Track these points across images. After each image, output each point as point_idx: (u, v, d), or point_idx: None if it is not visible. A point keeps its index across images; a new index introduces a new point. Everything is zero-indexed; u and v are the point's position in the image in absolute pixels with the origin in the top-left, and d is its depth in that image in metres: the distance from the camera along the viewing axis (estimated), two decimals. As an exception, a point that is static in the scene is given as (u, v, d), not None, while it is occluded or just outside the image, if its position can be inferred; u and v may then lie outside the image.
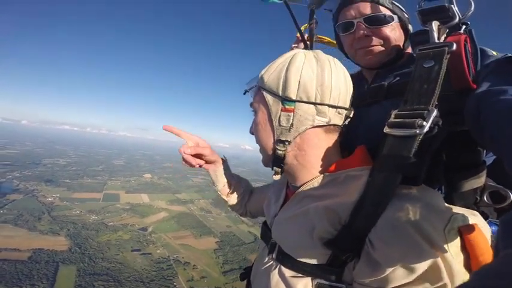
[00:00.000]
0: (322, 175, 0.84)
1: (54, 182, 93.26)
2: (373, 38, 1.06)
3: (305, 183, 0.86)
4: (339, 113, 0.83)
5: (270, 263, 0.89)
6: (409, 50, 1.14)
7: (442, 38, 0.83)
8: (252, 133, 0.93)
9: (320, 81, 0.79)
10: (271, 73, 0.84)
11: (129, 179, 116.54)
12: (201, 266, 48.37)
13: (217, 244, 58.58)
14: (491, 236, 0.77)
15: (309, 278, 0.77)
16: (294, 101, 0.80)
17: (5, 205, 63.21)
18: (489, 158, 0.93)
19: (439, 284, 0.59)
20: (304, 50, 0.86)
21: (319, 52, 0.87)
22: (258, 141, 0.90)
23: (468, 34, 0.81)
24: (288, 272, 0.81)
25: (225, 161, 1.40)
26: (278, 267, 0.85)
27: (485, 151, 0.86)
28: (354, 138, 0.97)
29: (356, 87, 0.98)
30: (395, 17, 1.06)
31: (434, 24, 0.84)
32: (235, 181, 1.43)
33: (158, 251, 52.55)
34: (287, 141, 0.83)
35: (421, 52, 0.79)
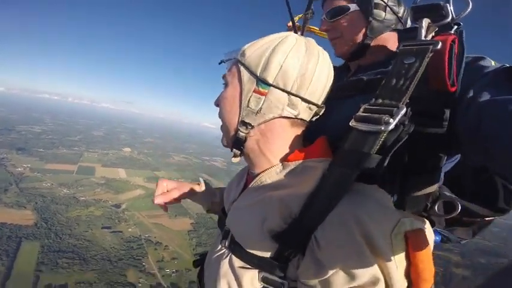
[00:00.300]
0: (280, 164, 0.82)
1: (27, 150, 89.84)
2: (332, 31, 1.13)
3: (263, 171, 0.84)
4: (310, 109, 0.82)
5: (222, 251, 0.88)
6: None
7: (430, 36, 0.82)
8: (216, 105, 0.88)
9: (302, 71, 0.76)
10: (255, 49, 0.80)
11: (107, 152, 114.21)
12: (173, 247, 48.36)
13: (192, 226, 58.48)
14: (435, 245, 0.79)
15: (256, 271, 0.76)
16: (269, 85, 0.78)
17: (-32, 173, 60.00)
18: (447, 166, 0.92)
19: None
20: (296, 35, 0.83)
21: (312, 41, 0.84)
22: (222, 117, 0.86)
23: (458, 35, 0.79)
24: (237, 262, 0.80)
25: (201, 184, 1.33)
26: (229, 256, 0.83)
27: (445, 158, 0.84)
28: (322, 130, 0.94)
29: (336, 79, 0.98)
30: (352, 6, 1.07)
31: (425, 22, 0.82)
32: (219, 196, 1.34)
33: (130, 230, 51.91)
34: (250, 124, 0.81)
35: (404, 48, 0.77)
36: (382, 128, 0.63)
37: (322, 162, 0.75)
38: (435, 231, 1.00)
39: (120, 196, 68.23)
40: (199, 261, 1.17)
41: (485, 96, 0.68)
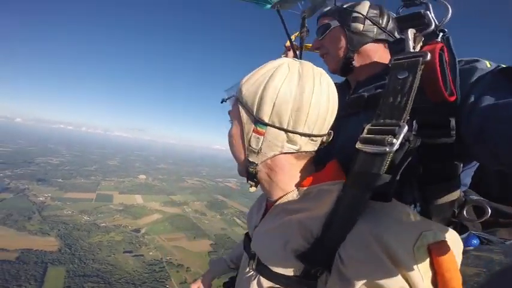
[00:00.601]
0: (296, 189, 0.84)
1: (47, 181, 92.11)
2: (321, 48, 1.19)
3: (280, 197, 0.86)
4: (312, 140, 0.80)
5: (250, 273, 0.90)
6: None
7: (418, 47, 0.82)
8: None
9: (297, 105, 0.74)
10: (249, 86, 0.80)
11: (123, 180, 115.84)
12: (194, 268, 47.62)
13: (211, 247, 58.17)
14: (471, 249, 0.78)
15: None
16: (266, 125, 0.77)
17: (-6, 204, 61.62)
18: (469, 171, 0.93)
19: None
20: (290, 62, 0.81)
21: (307, 66, 0.80)
22: (232, 153, 0.88)
23: (445, 42, 0.80)
24: (266, 283, 0.82)
25: (216, 263, 1.46)
26: (257, 277, 0.85)
27: (462, 165, 0.83)
28: (332, 149, 0.96)
29: (339, 97, 0.99)
30: (333, 22, 1.13)
31: (410, 32, 0.82)
32: (227, 261, 1.44)
33: (151, 253, 51.77)
34: (255, 163, 0.83)
35: (396, 62, 0.76)
36: (387, 149, 0.63)
37: (336, 184, 0.76)
38: (472, 236, 0.99)
39: (138, 221, 68.50)
40: (229, 284, 1.22)
41: (486, 101, 0.68)
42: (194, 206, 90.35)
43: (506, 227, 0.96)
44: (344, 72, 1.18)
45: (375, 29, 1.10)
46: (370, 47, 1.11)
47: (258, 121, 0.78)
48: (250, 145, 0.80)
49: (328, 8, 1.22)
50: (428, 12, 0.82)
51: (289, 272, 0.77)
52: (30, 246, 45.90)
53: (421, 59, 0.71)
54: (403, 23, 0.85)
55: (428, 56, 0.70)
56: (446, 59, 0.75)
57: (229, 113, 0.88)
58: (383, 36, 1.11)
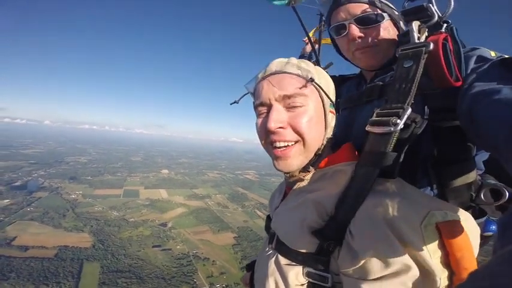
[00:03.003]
0: (314, 171, 0.91)
1: (77, 179, 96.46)
2: (368, 38, 1.06)
3: (300, 179, 0.92)
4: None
5: (269, 252, 0.94)
6: None
7: (423, 38, 0.85)
8: (279, 127, 0.83)
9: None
10: (320, 75, 0.91)
11: (147, 175, 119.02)
12: (220, 261, 48.63)
13: (235, 239, 58.76)
14: (490, 235, 0.82)
15: (301, 267, 0.81)
16: (334, 106, 0.92)
17: (31, 203, 65.73)
18: (485, 154, 0.94)
19: (414, 280, 0.60)
20: None
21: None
22: (311, 132, 0.85)
23: (450, 32, 0.83)
24: (283, 260, 0.85)
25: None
26: (276, 255, 0.89)
27: (474, 147, 0.87)
28: (349, 135, 1.07)
29: (355, 88, 1.17)
30: (385, 15, 1.05)
31: (415, 24, 0.86)
32: None
33: (178, 247, 53.22)
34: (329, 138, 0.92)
35: (402, 52, 0.82)
36: (392, 129, 0.69)
37: (350, 165, 0.82)
38: (490, 222, 0.99)
39: (164, 215, 70.47)
40: (251, 265, 1.26)
41: (478, 87, 0.70)
42: (216, 199, 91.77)
43: None
44: (382, 68, 1.11)
45: (401, 23, 1.08)
46: None
47: (332, 103, 0.91)
48: (328, 123, 0.89)
49: None
50: (430, 5, 0.85)
51: (304, 248, 0.80)
52: (66, 243, 48.48)
53: (424, 48, 0.76)
54: (408, 16, 0.90)
55: (431, 46, 0.75)
56: (451, 48, 0.78)
57: (288, 97, 0.84)
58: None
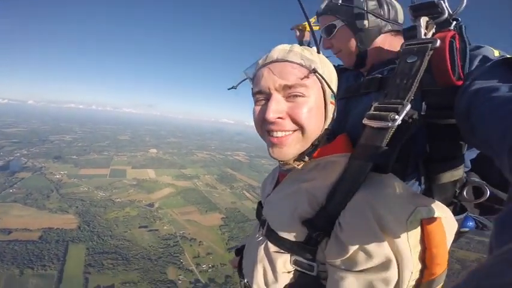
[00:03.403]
0: (309, 160, 0.89)
1: (62, 158, 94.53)
2: (334, 46, 1.18)
3: (294, 168, 0.90)
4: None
5: (259, 239, 0.95)
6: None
7: (430, 34, 0.84)
8: (277, 118, 0.82)
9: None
10: (324, 64, 0.88)
11: (135, 154, 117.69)
12: (207, 242, 49.35)
13: (222, 220, 59.48)
14: (466, 231, 0.86)
15: (288, 255, 0.83)
16: (335, 97, 0.90)
17: (14, 184, 64.28)
18: (472, 153, 0.95)
19: (390, 272, 0.63)
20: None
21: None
22: (310, 123, 0.83)
23: (458, 31, 0.81)
24: (272, 248, 0.87)
25: None
26: (265, 242, 0.90)
27: (466, 145, 0.87)
28: (344, 126, 1.06)
29: (354, 79, 1.20)
30: (337, 22, 1.13)
31: (423, 20, 0.85)
32: None
33: (165, 227, 53.54)
34: (329, 130, 0.90)
35: (406, 47, 0.82)
36: (389, 124, 0.69)
37: (344, 157, 0.82)
38: (468, 218, 1.03)
39: (151, 195, 70.35)
40: (240, 250, 1.26)
41: (477, 85, 0.70)
42: (205, 179, 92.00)
43: None
44: (359, 67, 1.19)
45: (379, 21, 1.10)
46: (379, 40, 1.12)
47: (333, 94, 0.88)
48: (328, 114, 0.88)
49: (325, 3, 1.18)
50: (442, 1, 0.83)
51: (293, 237, 0.81)
52: (51, 224, 47.94)
53: (430, 45, 0.75)
54: (417, 11, 0.87)
55: (438, 43, 0.75)
56: (457, 46, 0.77)
57: (289, 87, 0.82)
58: (389, 27, 1.12)
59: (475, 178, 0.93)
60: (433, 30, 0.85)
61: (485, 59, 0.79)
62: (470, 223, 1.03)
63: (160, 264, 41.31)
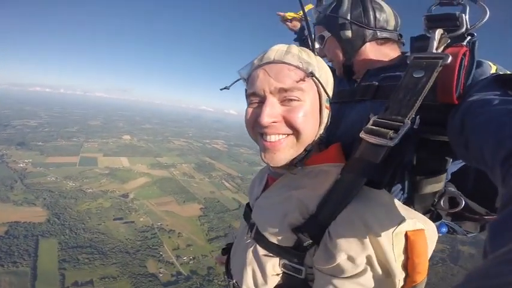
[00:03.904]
0: (300, 167, 0.89)
1: (26, 145, 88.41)
2: (326, 57, 1.21)
3: (285, 173, 0.92)
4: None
5: (248, 241, 0.96)
6: (396, 51, 1.16)
7: (441, 48, 0.82)
8: (272, 122, 0.81)
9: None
10: (321, 67, 0.87)
11: (106, 141, 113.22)
12: (186, 233, 48.90)
13: (201, 211, 59.01)
14: (440, 236, 0.88)
15: (277, 258, 0.85)
16: (330, 102, 0.90)
17: (-29, 173, 59.09)
18: (454, 166, 0.97)
19: (378, 279, 0.68)
20: None
21: None
22: (306, 127, 0.83)
23: (470, 46, 0.79)
24: (261, 251, 0.88)
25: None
26: (254, 245, 0.91)
27: (451, 160, 0.89)
28: (335, 132, 1.04)
29: (347, 82, 1.20)
30: (325, 33, 1.17)
31: (438, 33, 0.82)
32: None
33: (141, 219, 52.27)
34: (323, 135, 0.91)
35: (415, 61, 0.79)
36: (388, 143, 0.69)
37: (336, 167, 0.82)
38: (442, 224, 1.09)
39: (126, 185, 68.06)
40: (227, 250, 1.27)
41: (470, 100, 0.70)
42: (182, 168, 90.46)
43: (472, 221, 1.05)
44: (349, 76, 1.20)
45: (364, 31, 1.10)
46: (366, 49, 1.12)
47: (328, 98, 0.88)
48: (323, 119, 0.87)
49: (317, 14, 1.24)
50: (463, 14, 0.80)
51: (283, 242, 0.83)
52: (17, 218, 44.87)
53: (441, 61, 0.73)
54: (433, 22, 0.84)
55: (449, 59, 0.72)
56: (465, 63, 0.76)
57: (284, 90, 0.80)
58: (376, 35, 1.10)
59: (451, 188, 0.95)
60: (445, 44, 0.83)
61: (482, 75, 0.79)
62: (444, 229, 1.12)
63: (139, 258, 40.37)
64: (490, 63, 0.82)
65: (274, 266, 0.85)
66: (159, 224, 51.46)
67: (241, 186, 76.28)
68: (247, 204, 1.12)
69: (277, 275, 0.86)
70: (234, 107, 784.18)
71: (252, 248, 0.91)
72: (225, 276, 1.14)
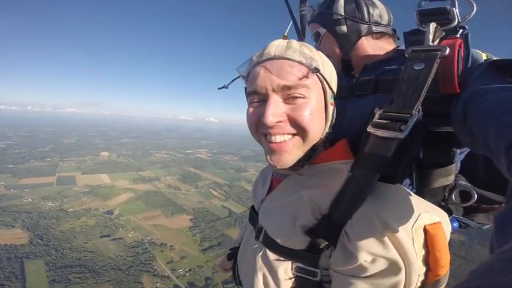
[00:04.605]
0: (307, 166, 0.86)
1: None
2: (323, 51, 1.17)
3: (292, 173, 0.88)
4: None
5: (256, 246, 0.92)
6: (392, 45, 1.18)
7: (437, 41, 0.84)
8: (276, 122, 0.76)
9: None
10: (324, 62, 0.84)
11: (83, 159, 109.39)
12: (178, 246, 47.67)
13: (191, 221, 57.91)
14: (452, 231, 0.85)
15: (290, 262, 0.81)
16: (335, 98, 0.87)
17: None
18: (462, 155, 0.96)
19: (399, 277, 0.65)
20: None
21: None
22: (312, 127, 0.78)
23: (464, 38, 0.81)
24: (271, 256, 0.84)
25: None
26: (263, 250, 0.87)
27: (458, 152, 0.89)
28: (338, 128, 0.99)
29: (345, 77, 1.18)
30: (321, 30, 1.18)
31: (432, 26, 0.84)
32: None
33: (130, 235, 50.47)
34: (330, 133, 0.87)
35: (413, 54, 0.79)
36: (399, 135, 0.67)
37: (345, 164, 0.80)
38: (453, 219, 1.06)
39: (109, 202, 65.64)
40: (232, 255, 1.22)
41: (471, 89, 0.70)
42: (166, 180, 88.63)
43: (485, 212, 1.03)
44: (347, 72, 1.20)
45: (359, 25, 1.11)
46: (362, 43, 1.13)
47: (333, 94, 0.85)
48: (328, 116, 0.84)
49: (311, 11, 1.24)
50: (454, 8, 0.82)
51: (295, 246, 0.79)
52: (-3, 242, 41.98)
53: (439, 53, 0.74)
54: (425, 17, 0.86)
55: (447, 51, 0.74)
56: (462, 54, 0.78)
57: (288, 88, 0.76)
58: (370, 30, 1.12)
59: (463, 181, 0.94)
60: (440, 37, 0.85)
61: (477, 63, 0.79)
62: (455, 224, 1.08)
63: (133, 274, 38.79)
64: (478, 51, 0.83)
65: (286, 270, 0.81)
66: (149, 238, 49.86)
67: (230, 193, 76.12)
68: (252, 207, 1.09)
69: (290, 278, 0.82)
70: (214, 114, 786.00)
71: (261, 253, 0.87)
72: (235, 282, 1.12)
